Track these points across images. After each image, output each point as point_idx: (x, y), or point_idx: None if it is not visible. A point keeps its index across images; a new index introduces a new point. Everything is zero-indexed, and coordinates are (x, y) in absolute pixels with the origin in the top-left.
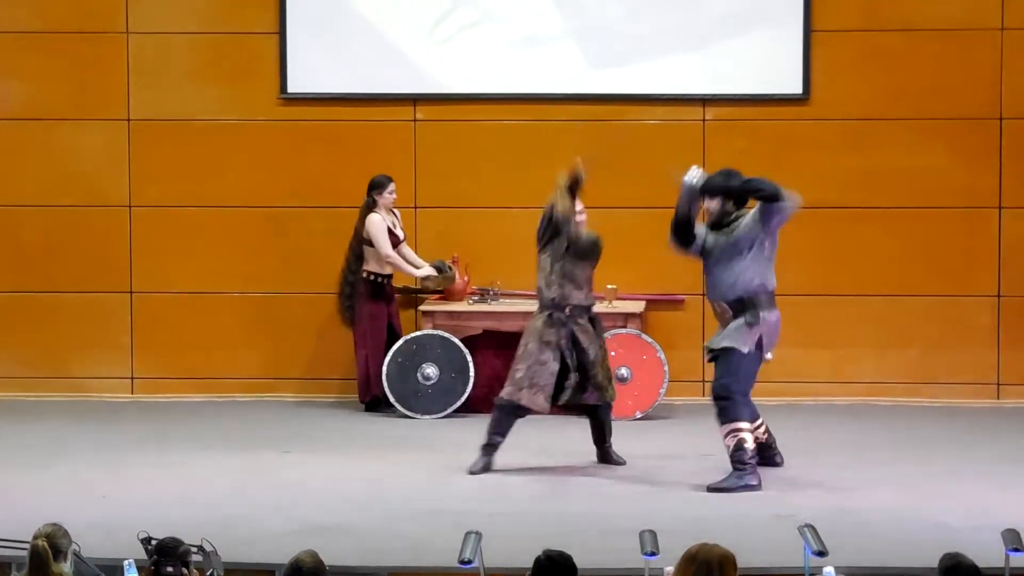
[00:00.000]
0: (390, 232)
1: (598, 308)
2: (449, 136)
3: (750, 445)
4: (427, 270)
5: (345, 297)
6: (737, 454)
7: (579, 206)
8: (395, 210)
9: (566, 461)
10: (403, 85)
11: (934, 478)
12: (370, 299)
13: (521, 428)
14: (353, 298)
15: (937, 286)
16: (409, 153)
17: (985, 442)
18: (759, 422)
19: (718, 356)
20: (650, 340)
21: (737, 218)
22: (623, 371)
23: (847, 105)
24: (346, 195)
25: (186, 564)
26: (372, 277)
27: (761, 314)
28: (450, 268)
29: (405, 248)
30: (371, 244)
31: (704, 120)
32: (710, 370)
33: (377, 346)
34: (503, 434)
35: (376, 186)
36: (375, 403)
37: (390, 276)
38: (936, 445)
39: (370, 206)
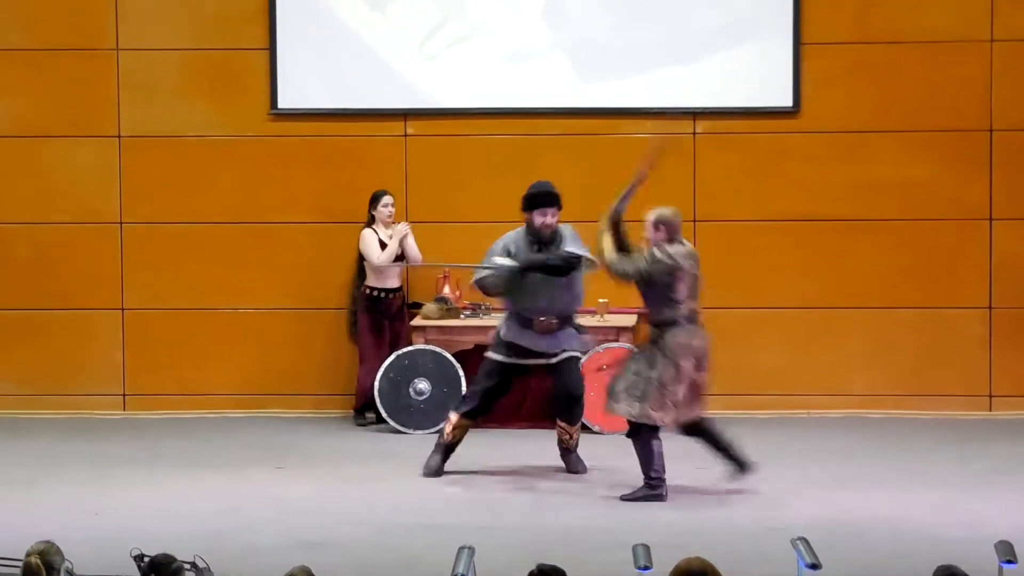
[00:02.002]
0: (383, 245)
1: (590, 322)
2: (440, 151)
3: None
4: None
5: (350, 312)
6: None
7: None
8: (397, 225)
9: (558, 475)
10: (393, 100)
11: (927, 490)
12: (366, 313)
13: (510, 441)
14: (356, 313)
15: (928, 298)
16: (400, 168)
17: (977, 453)
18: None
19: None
20: None
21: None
22: None
23: (837, 117)
24: (337, 211)
25: None
26: (369, 291)
27: None
28: (453, 303)
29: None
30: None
31: (695, 133)
32: None
33: (368, 359)
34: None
35: (372, 201)
36: (364, 408)
37: (395, 290)
38: (928, 457)
39: (368, 222)
